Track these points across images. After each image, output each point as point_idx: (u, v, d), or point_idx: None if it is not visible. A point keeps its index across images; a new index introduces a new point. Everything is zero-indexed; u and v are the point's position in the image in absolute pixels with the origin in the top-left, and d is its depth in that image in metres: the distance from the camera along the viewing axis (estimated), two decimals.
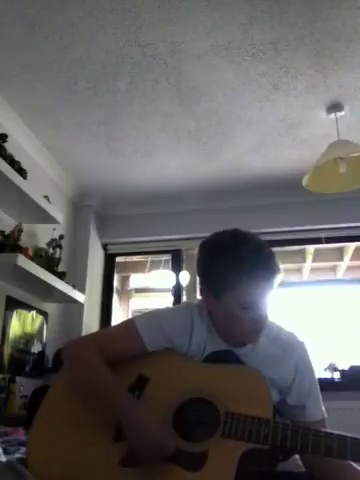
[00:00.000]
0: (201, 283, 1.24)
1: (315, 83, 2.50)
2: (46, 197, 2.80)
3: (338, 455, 0.98)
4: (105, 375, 1.16)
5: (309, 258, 4.84)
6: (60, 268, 3.01)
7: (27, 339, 2.90)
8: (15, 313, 2.78)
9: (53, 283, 2.78)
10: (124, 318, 3.49)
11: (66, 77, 2.46)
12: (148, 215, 3.83)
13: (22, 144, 2.92)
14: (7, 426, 2.05)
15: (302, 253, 4.80)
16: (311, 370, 1.24)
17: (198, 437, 1.08)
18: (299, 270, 5.15)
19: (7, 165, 2.35)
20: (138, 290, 5.64)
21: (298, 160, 3.22)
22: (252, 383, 1.14)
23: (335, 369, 3.38)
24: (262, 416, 1.06)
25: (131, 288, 5.63)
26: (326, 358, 3.47)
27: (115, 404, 1.13)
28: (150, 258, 4.62)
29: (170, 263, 3.99)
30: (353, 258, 4.80)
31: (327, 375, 3.37)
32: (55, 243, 3.03)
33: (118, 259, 4.18)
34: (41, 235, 3.04)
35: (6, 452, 1.58)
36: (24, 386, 2.66)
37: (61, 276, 2.93)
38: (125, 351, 1.21)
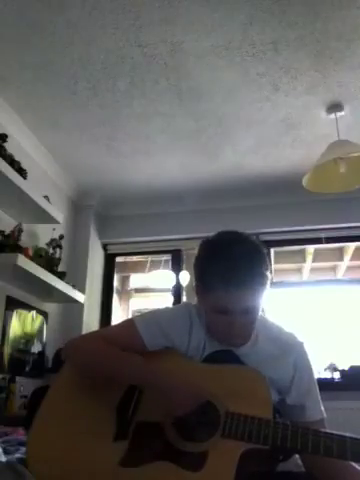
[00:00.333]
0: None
1: (315, 83, 2.50)
2: (46, 197, 2.81)
3: (338, 455, 0.98)
4: (116, 350, 1.18)
5: (309, 258, 4.84)
6: (60, 268, 3.01)
7: (27, 339, 2.90)
8: (15, 313, 2.79)
9: (53, 283, 2.78)
10: (124, 318, 3.49)
11: (66, 77, 2.46)
12: (148, 215, 3.84)
13: (22, 144, 2.92)
14: (7, 426, 2.05)
15: (302, 253, 4.80)
16: (310, 370, 1.25)
17: (198, 437, 1.08)
18: (299, 270, 5.15)
19: (7, 165, 2.35)
20: (138, 290, 5.63)
21: (298, 160, 3.22)
22: (252, 383, 1.14)
23: (335, 369, 3.38)
24: (262, 416, 1.06)
25: (131, 288, 5.62)
26: (326, 358, 3.47)
27: (140, 369, 1.14)
28: (150, 258, 4.62)
29: (170, 263, 4.00)
30: (353, 258, 4.80)
31: (327, 375, 3.37)
32: (55, 243, 3.04)
33: (118, 259, 4.19)
34: (41, 235, 3.05)
35: (6, 452, 1.58)
36: (24, 386, 2.66)
37: (61, 276, 2.93)
38: (125, 349, 1.21)
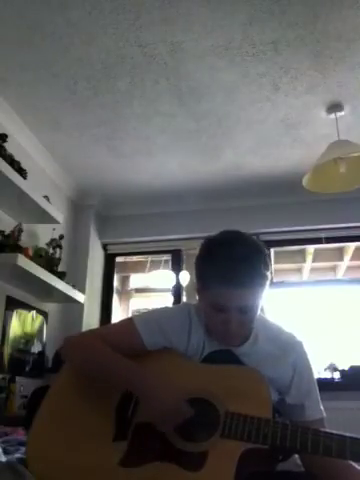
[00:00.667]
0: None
1: (315, 83, 2.50)
2: (46, 197, 2.81)
3: (337, 455, 0.98)
4: (111, 351, 1.18)
5: (309, 258, 4.84)
6: (60, 268, 3.01)
7: (27, 339, 2.90)
8: (15, 313, 2.79)
9: (53, 283, 2.78)
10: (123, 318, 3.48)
11: (66, 77, 2.46)
12: (148, 215, 3.84)
13: (22, 144, 2.92)
14: (7, 426, 2.05)
15: (302, 253, 4.80)
16: (310, 369, 1.25)
17: (198, 437, 1.08)
18: (299, 270, 5.15)
19: (7, 165, 2.35)
20: (138, 290, 5.63)
21: (298, 160, 3.22)
22: (252, 383, 1.14)
23: (335, 369, 3.38)
24: (262, 416, 1.06)
25: (131, 288, 5.62)
26: (326, 358, 3.47)
27: (128, 373, 1.14)
28: (150, 258, 4.62)
29: (170, 263, 4.00)
30: (353, 258, 4.80)
31: (327, 375, 3.37)
32: (55, 243, 3.04)
33: (118, 259, 4.19)
34: (41, 235, 3.05)
35: (6, 452, 1.58)
36: (24, 386, 2.66)
37: (61, 276, 2.93)
38: (124, 348, 1.21)
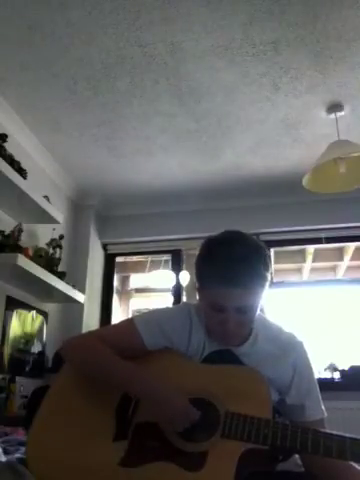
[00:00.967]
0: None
1: (315, 83, 2.50)
2: (46, 197, 2.81)
3: (337, 455, 0.98)
4: (111, 353, 1.18)
5: (309, 258, 4.84)
6: (60, 268, 3.01)
7: (27, 339, 2.90)
8: (15, 313, 2.79)
9: (53, 283, 2.78)
10: (124, 318, 3.49)
11: (66, 77, 2.46)
12: (148, 215, 3.84)
13: (22, 144, 2.92)
14: (7, 426, 2.05)
15: (302, 253, 4.80)
16: (310, 369, 1.24)
17: (198, 437, 1.08)
18: (299, 270, 5.15)
19: (7, 165, 2.35)
20: (138, 290, 5.64)
21: (298, 160, 3.22)
22: (252, 383, 1.14)
23: (335, 369, 3.38)
24: (262, 416, 1.06)
25: (131, 288, 5.63)
26: (326, 358, 3.47)
27: (128, 375, 1.14)
28: (150, 258, 4.62)
29: (170, 263, 4.00)
30: (353, 258, 4.80)
31: (327, 375, 3.37)
32: (55, 243, 3.04)
33: (118, 259, 4.18)
34: (41, 235, 3.05)
35: (6, 452, 1.58)
36: (24, 386, 2.66)
37: (61, 276, 2.93)
38: (124, 349, 1.21)
